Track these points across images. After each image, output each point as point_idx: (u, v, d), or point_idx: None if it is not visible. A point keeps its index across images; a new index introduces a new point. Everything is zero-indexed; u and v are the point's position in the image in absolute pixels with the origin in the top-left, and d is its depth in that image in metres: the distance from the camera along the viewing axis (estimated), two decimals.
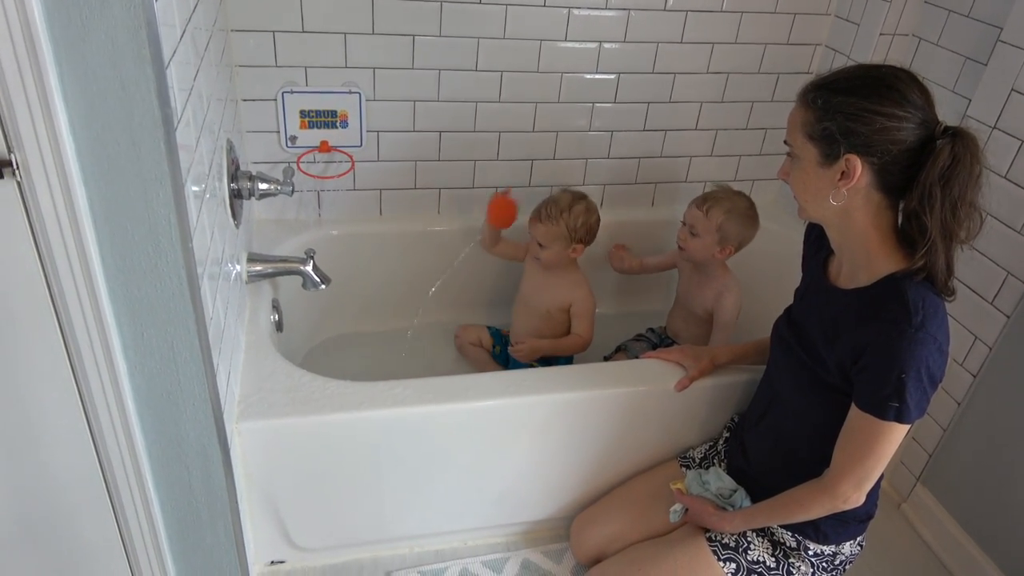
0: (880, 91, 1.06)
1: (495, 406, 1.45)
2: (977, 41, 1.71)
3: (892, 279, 1.13)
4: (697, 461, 1.56)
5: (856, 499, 1.19)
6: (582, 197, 1.81)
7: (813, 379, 1.24)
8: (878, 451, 1.14)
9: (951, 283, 1.12)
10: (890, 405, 1.09)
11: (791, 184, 1.19)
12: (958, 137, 1.05)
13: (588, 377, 1.52)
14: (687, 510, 1.43)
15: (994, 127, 1.58)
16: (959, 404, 1.71)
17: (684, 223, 1.82)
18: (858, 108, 1.06)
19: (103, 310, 0.90)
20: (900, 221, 1.13)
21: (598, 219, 1.83)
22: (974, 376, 1.67)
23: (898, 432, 1.13)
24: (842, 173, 1.10)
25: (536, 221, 1.81)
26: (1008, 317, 1.58)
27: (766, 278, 2.09)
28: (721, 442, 1.56)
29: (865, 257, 1.17)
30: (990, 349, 1.62)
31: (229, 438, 1.21)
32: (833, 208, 1.14)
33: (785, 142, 1.19)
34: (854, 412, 1.15)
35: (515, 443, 1.51)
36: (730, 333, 1.80)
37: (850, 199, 1.12)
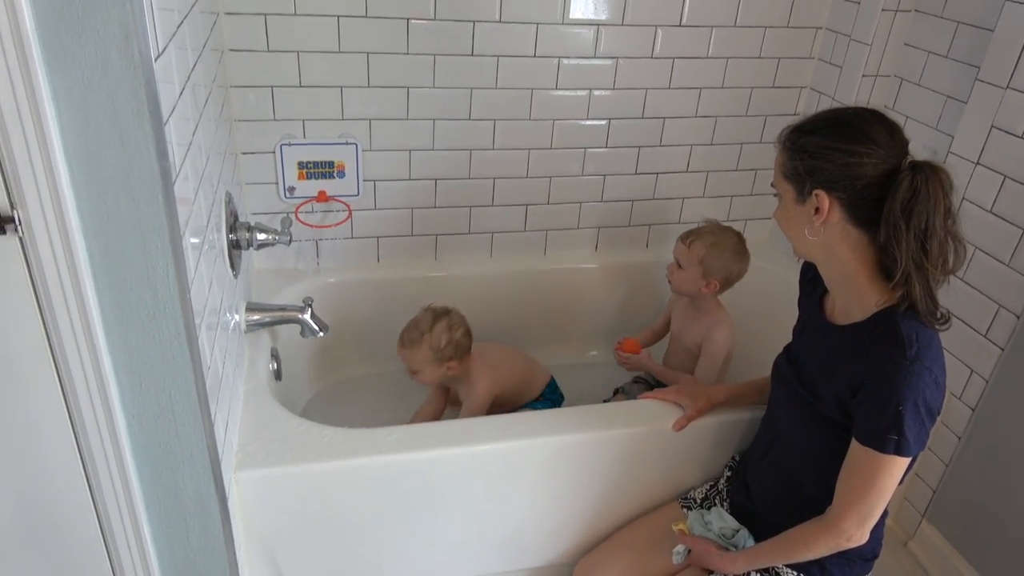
0: (843, 130, 1.12)
1: (494, 450, 1.44)
2: (956, 80, 1.75)
3: (884, 314, 1.14)
4: (699, 501, 1.55)
5: (860, 536, 1.18)
6: (444, 314, 1.76)
7: (814, 415, 1.24)
8: (880, 485, 1.14)
9: (939, 314, 1.13)
10: (889, 438, 1.10)
11: (779, 224, 1.24)
12: (918, 170, 1.08)
13: (587, 419, 1.52)
14: (690, 551, 1.41)
15: (977, 163, 1.61)
16: (959, 438, 1.70)
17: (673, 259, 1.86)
18: (821, 146, 1.11)
19: (102, 362, 0.91)
20: (880, 257, 1.16)
21: (466, 331, 1.77)
22: (972, 409, 1.67)
23: (899, 466, 1.13)
24: (816, 209, 1.14)
25: (400, 347, 1.76)
26: (1002, 349, 1.58)
27: (761, 316, 2.10)
28: (723, 481, 1.55)
29: (855, 292, 1.19)
30: (986, 382, 1.63)
31: (227, 488, 1.21)
32: (816, 244, 1.17)
33: (772, 184, 1.23)
34: (854, 446, 1.16)
35: (515, 487, 1.51)
36: (717, 366, 1.80)
37: (829, 234, 1.15)
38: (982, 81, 1.59)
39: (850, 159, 1.09)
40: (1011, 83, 1.52)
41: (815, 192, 1.13)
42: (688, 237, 1.80)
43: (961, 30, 1.74)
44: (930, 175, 1.07)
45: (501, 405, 1.89)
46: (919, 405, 1.09)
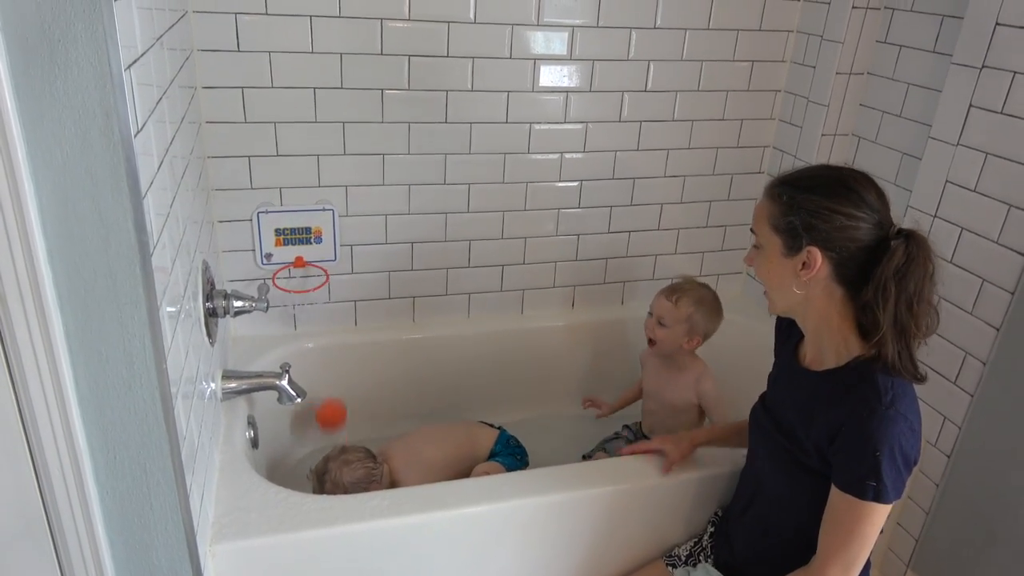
0: (841, 192, 1.15)
1: (476, 513, 1.43)
2: (911, 138, 1.83)
3: (860, 361, 1.17)
4: (683, 559, 1.54)
5: None
6: (323, 472, 1.72)
7: (794, 464, 1.25)
8: (861, 533, 1.14)
9: (914, 371, 1.15)
10: (868, 484, 1.11)
11: (756, 271, 1.26)
12: (912, 238, 1.12)
13: (569, 478, 1.51)
14: None
15: (935, 216, 1.67)
16: (937, 485, 1.72)
17: (651, 314, 1.86)
18: (820, 206, 1.15)
19: (76, 437, 0.90)
20: (857, 312, 1.19)
21: (356, 462, 1.73)
22: (948, 456, 1.68)
23: (879, 514, 1.13)
24: (803, 263, 1.17)
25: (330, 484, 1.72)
26: (972, 396, 1.61)
27: (736, 369, 2.12)
28: (706, 537, 1.54)
29: (831, 340, 1.22)
30: (959, 428, 1.65)
31: (203, 561, 1.18)
32: (797, 297, 1.20)
33: (752, 231, 1.26)
34: (834, 494, 1.17)
35: (499, 549, 1.49)
36: (724, 410, 1.81)
37: (812, 289, 1.19)
38: (934, 139, 1.66)
39: (848, 222, 1.13)
40: (961, 140, 1.60)
41: (809, 248, 1.16)
42: (673, 294, 1.82)
43: (912, 91, 1.83)
44: (921, 244, 1.12)
45: (452, 478, 1.83)
46: (895, 451, 1.10)
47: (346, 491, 1.69)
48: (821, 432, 1.18)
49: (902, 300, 1.11)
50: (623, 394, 2.09)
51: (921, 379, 1.16)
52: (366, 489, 1.70)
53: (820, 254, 1.15)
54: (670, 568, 1.53)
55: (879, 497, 1.12)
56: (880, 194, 1.17)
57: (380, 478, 1.76)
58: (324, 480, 1.72)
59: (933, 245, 1.13)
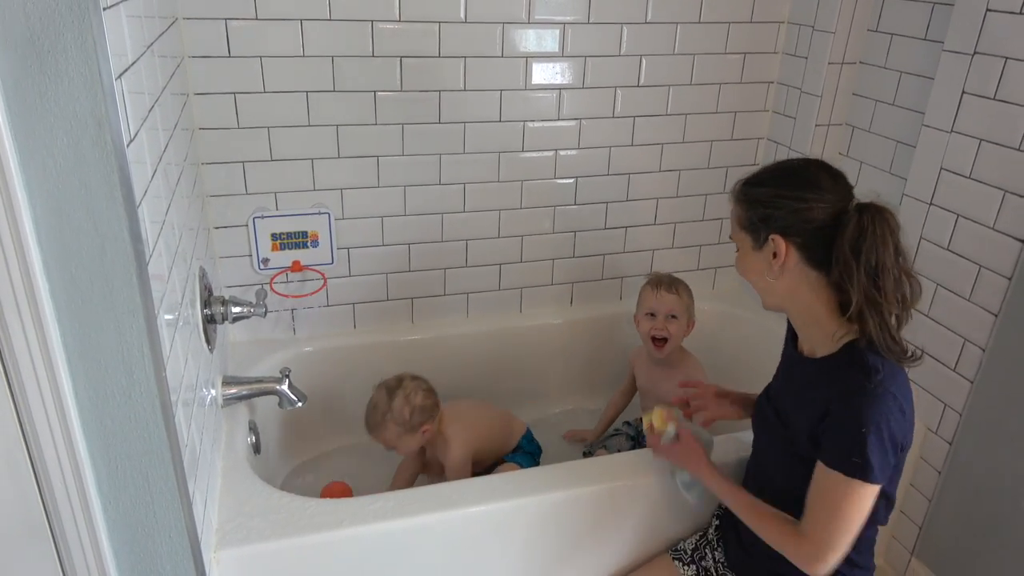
0: (789, 178, 1.20)
1: (479, 512, 1.43)
2: (905, 126, 1.83)
3: (850, 346, 1.18)
4: (689, 552, 1.54)
5: (818, 568, 1.18)
6: (396, 386, 1.76)
7: (791, 454, 1.26)
8: (844, 513, 1.15)
9: (903, 350, 1.16)
10: (853, 461, 1.11)
11: (739, 272, 1.29)
12: (865, 210, 1.13)
13: (571, 475, 1.51)
14: (678, 435, 1.44)
15: (930, 203, 1.67)
16: (939, 472, 1.72)
17: (651, 315, 1.86)
18: (773, 195, 1.18)
19: (76, 444, 0.90)
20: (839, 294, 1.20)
21: (426, 391, 1.78)
22: (949, 443, 1.69)
23: (864, 493, 1.13)
24: (774, 253, 1.19)
25: (370, 432, 1.78)
26: (971, 382, 1.62)
27: (738, 362, 2.13)
28: (712, 531, 1.54)
29: (819, 330, 1.23)
30: (960, 415, 1.65)
31: (207, 568, 1.18)
32: (779, 288, 1.22)
33: (730, 237, 1.29)
34: (819, 470, 1.17)
35: (503, 548, 1.49)
36: None
37: (789, 277, 1.20)
38: (927, 126, 1.67)
39: (800, 204, 1.16)
40: (954, 126, 1.60)
41: (771, 237, 1.18)
42: (672, 286, 1.84)
43: (904, 79, 1.83)
44: (876, 214, 1.12)
45: (480, 461, 1.88)
46: (883, 431, 1.11)
47: (406, 416, 1.73)
48: (812, 414, 1.19)
49: (863, 273, 1.12)
50: (603, 415, 2.11)
51: (908, 358, 1.16)
52: (419, 424, 1.75)
53: (783, 241, 1.17)
54: (676, 562, 1.53)
55: (864, 475, 1.11)
56: (834, 175, 1.19)
57: (434, 423, 1.79)
58: (395, 395, 1.74)
59: (893, 215, 1.14)
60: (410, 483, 1.92)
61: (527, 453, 1.96)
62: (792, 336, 1.36)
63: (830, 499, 1.16)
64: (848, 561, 1.23)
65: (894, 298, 1.13)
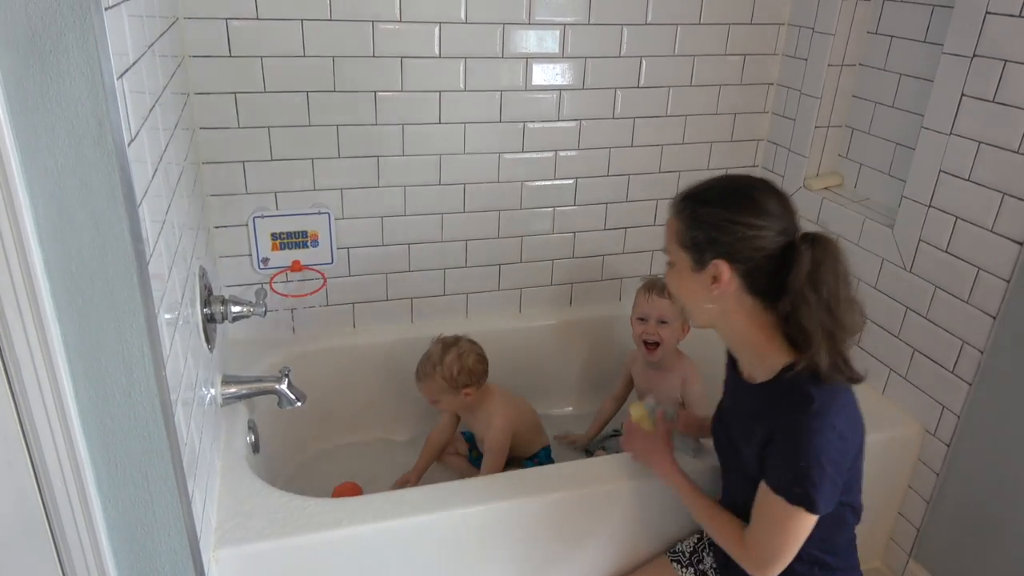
0: (740, 201, 1.15)
1: (478, 512, 1.43)
2: (904, 128, 1.84)
3: (789, 370, 1.16)
4: (687, 555, 1.54)
5: (754, 568, 1.21)
6: (453, 343, 1.82)
7: (748, 476, 1.25)
8: (784, 532, 1.16)
9: (850, 373, 1.15)
10: (795, 491, 1.12)
11: (670, 288, 1.26)
12: (817, 242, 1.12)
13: (571, 476, 1.52)
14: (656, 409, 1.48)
15: (929, 205, 1.67)
16: (937, 475, 1.72)
17: (643, 319, 1.86)
18: (721, 218, 1.14)
19: (76, 443, 0.90)
20: (779, 322, 1.18)
21: (478, 356, 1.84)
22: (947, 445, 1.69)
23: (804, 519, 1.14)
24: (713, 278, 1.16)
25: (417, 381, 1.84)
26: (970, 385, 1.62)
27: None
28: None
29: (756, 356, 1.22)
30: (958, 417, 1.66)
31: (206, 567, 1.18)
32: (712, 311, 1.20)
33: (664, 250, 1.25)
34: (763, 489, 1.18)
35: (501, 549, 1.49)
36: (706, 409, 1.82)
37: (725, 302, 1.18)
38: (927, 128, 1.67)
39: (750, 232, 1.12)
40: (953, 129, 1.60)
41: (715, 261, 1.15)
42: (665, 291, 1.83)
43: (904, 81, 1.83)
44: (827, 246, 1.11)
45: (509, 451, 1.90)
46: (823, 461, 1.11)
47: (454, 373, 1.79)
48: (758, 442, 1.19)
49: (820, 306, 1.10)
50: (594, 419, 2.12)
51: (858, 379, 1.16)
52: (464, 385, 1.81)
53: (727, 267, 1.14)
54: (675, 564, 1.53)
55: (806, 505, 1.12)
56: (783, 200, 1.16)
57: (477, 391, 1.84)
58: (449, 351, 1.80)
59: (839, 245, 1.13)
60: (440, 445, 1.97)
61: (542, 465, 1.96)
62: (732, 359, 1.35)
63: (772, 518, 1.17)
64: (824, 566, 1.24)
65: (848, 325, 1.13)
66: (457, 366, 1.79)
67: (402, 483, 1.90)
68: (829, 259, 1.11)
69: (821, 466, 1.10)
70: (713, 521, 1.31)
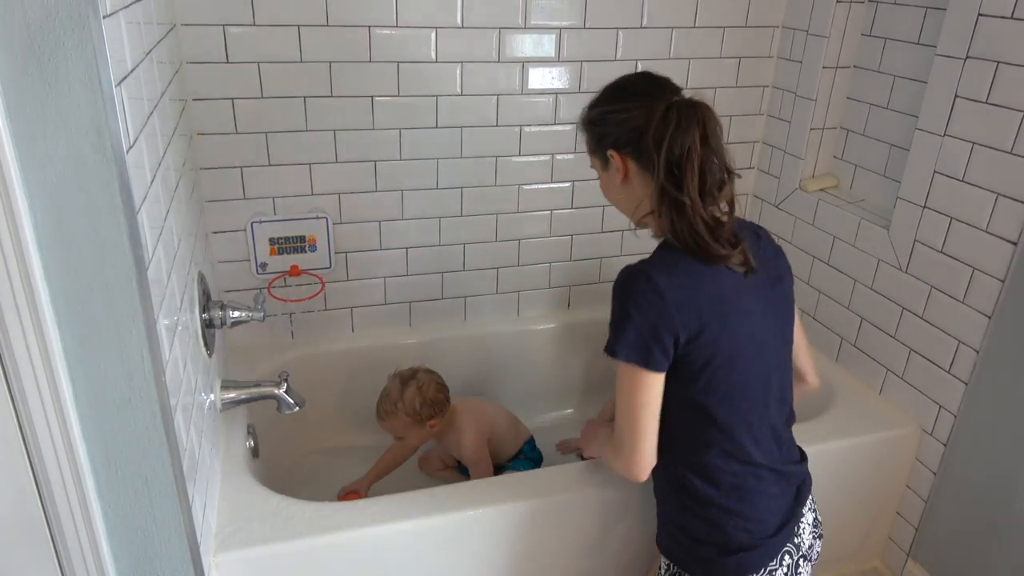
0: (612, 93, 1.21)
1: (476, 515, 1.44)
2: (898, 130, 1.85)
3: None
4: None
5: (624, 467, 1.17)
6: (411, 377, 1.81)
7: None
8: (624, 401, 1.14)
9: (697, 243, 1.11)
10: (608, 340, 1.13)
11: (606, 198, 1.27)
12: (673, 104, 1.11)
13: (569, 478, 1.52)
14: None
15: (924, 206, 1.68)
16: (935, 474, 1.73)
17: None
18: (599, 113, 1.20)
19: (76, 449, 0.91)
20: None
21: (439, 385, 1.82)
22: (944, 444, 1.70)
23: (631, 378, 1.12)
24: (617, 169, 1.19)
25: (379, 420, 1.82)
26: (966, 384, 1.63)
27: None
28: None
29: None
30: (954, 416, 1.66)
31: (207, 572, 1.19)
32: (632, 202, 1.19)
33: (591, 167, 1.28)
34: None
35: (500, 551, 1.49)
36: None
37: (638, 187, 1.17)
38: (921, 130, 1.68)
39: (622, 115, 1.16)
40: (947, 130, 1.61)
41: (609, 153, 1.19)
42: None
43: (898, 83, 1.84)
44: (685, 107, 1.10)
45: (492, 457, 1.90)
46: (629, 308, 1.10)
47: (416, 407, 1.76)
48: None
49: (662, 165, 1.09)
50: (599, 418, 2.08)
51: (713, 254, 1.10)
52: (428, 417, 1.78)
53: (617, 154, 1.17)
54: None
55: (612, 350, 1.12)
56: (657, 81, 1.19)
57: (442, 420, 1.82)
58: (408, 385, 1.78)
59: (708, 108, 1.11)
60: (392, 469, 1.92)
61: (528, 459, 1.97)
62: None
63: (615, 391, 1.17)
64: (692, 492, 1.19)
65: (695, 188, 1.09)
66: (419, 399, 1.77)
67: (351, 493, 1.85)
68: (683, 118, 1.09)
69: (626, 311, 1.11)
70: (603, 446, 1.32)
